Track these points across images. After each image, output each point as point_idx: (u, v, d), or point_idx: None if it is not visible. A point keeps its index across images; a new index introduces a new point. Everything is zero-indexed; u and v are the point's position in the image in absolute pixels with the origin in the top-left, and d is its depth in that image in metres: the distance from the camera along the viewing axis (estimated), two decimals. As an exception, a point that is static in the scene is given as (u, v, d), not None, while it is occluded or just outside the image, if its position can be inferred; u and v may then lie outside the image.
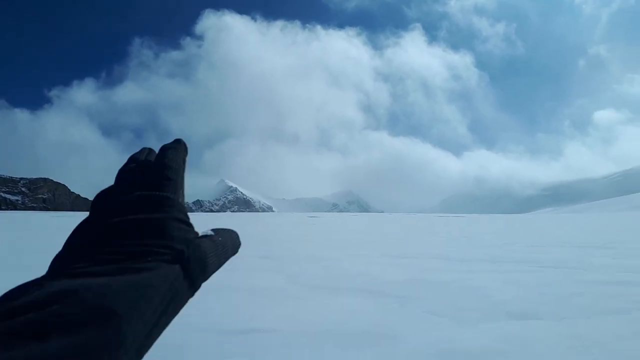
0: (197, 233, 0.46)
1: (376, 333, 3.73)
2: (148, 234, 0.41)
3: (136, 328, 0.38)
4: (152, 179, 0.47)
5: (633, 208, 63.41)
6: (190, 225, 0.46)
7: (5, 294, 0.37)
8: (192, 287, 0.44)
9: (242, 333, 3.77)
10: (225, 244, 0.50)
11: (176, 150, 0.52)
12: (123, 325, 0.37)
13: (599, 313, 4.20)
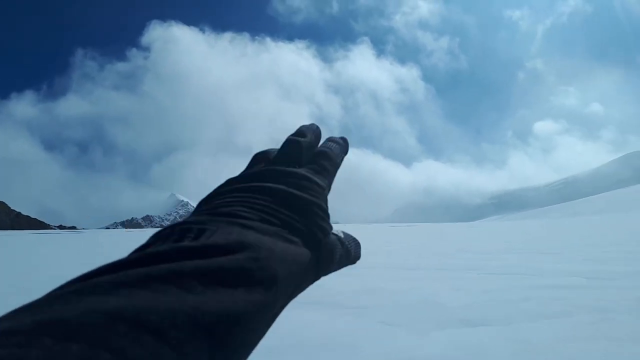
0: (332, 227, 0.46)
1: (331, 345, 3.72)
2: (298, 211, 0.41)
3: (283, 299, 0.38)
4: (315, 163, 0.48)
5: (573, 214, 66.98)
6: (329, 218, 0.46)
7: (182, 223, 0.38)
8: (315, 278, 0.43)
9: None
10: (349, 250, 0.49)
11: (341, 147, 0.53)
12: (279, 292, 0.36)
13: (545, 317, 4.37)
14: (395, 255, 11.84)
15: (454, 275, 7.51)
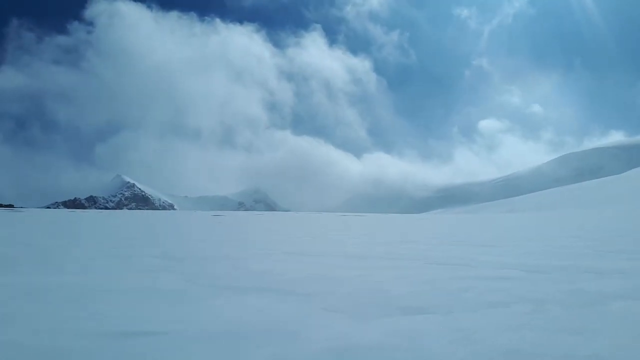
0: None
1: (274, 331, 3.67)
2: None
3: None
4: None
5: (512, 210, 70.13)
6: None
7: None
8: None
9: (129, 336, 3.51)
10: None
11: None
12: None
13: (483, 307, 4.50)
14: (343, 244, 11.93)
15: (399, 264, 7.64)
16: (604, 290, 5.28)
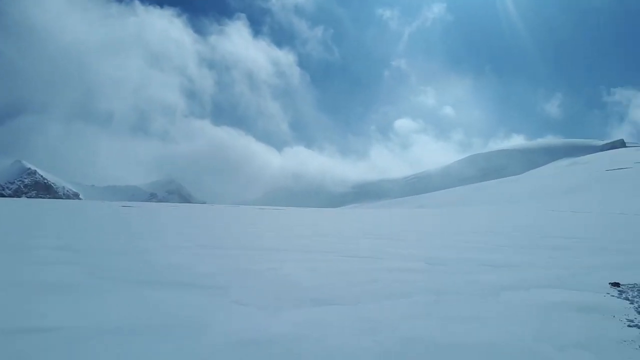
0: None
1: (179, 325, 3.60)
2: None
3: None
4: None
5: (421, 206, 73.96)
6: None
7: None
8: None
9: (21, 333, 3.31)
10: None
11: None
12: None
13: (388, 297, 4.73)
14: (258, 237, 11.88)
15: (311, 257, 7.77)
16: (497, 281, 5.75)
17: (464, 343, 3.34)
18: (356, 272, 6.26)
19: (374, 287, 5.26)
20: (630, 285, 5.50)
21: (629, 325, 3.82)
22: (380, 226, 18.64)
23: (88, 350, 3.04)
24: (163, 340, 3.25)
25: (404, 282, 5.58)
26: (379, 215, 32.66)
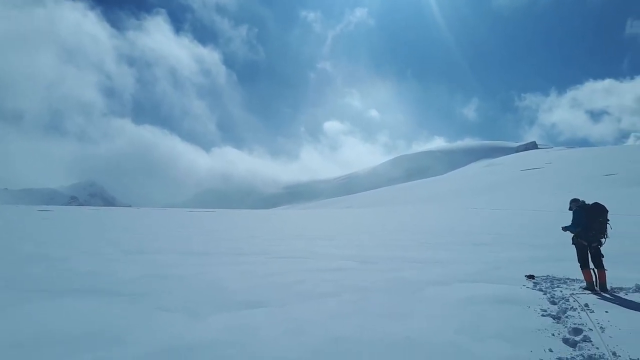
0: None
1: (100, 335, 3.42)
2: None
3: None
4: None
5: (351, 206, 75.58)
6: None
7: None
8: None
9: None
10: None
11: None
12: None
13: (316, 297, 4.74)
14: (187, 240, 11.50)
15: (241, 259, 7.63)
16: (422, 277, 5.95)
17: (389, 339, 3.43)
18: (286, 273, 6.22)
19: (302, 287, 5.25)
20: (543, 277, 5.90)
21: (543, 315, 4.08)
22: (311, 227, 18.74)
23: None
24: (82, 351, 3.10)
25: (333, 281, 5.62)
26: (310, 216, 32.87)
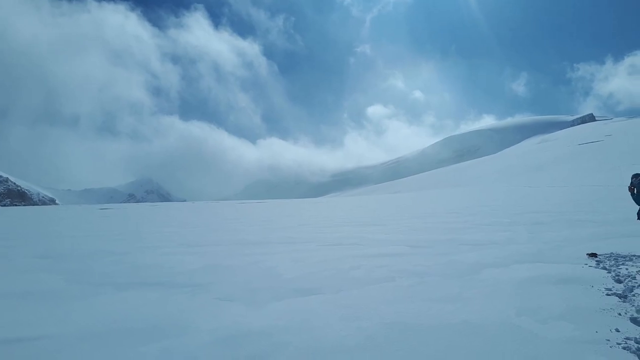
0: None
1: (165, 325, 3.57)
2: None
3: None
4: None
5: (400, 191, 74.74)
6: None
7: None
8: None
9: (7, 344, 3.25)
10: None
11: None
12: None
13: (370, 283, 4.75)
14: (240, 231, 11.79)
15: (295, 247, 7.75)
16: (477, 260, 5.83)
17: (448, 323, 3.37)
18: (339, 259, 6.26)
19: (357, 273, 5.27)
20: (607, 255, 5.64)
21: (607, 294, 3.92)
22: (360, 213, 18.72)
23: (75, 357, 2.99)
24: (149, 341, 3.23)
25: (386, 266, 5.61)
26: (359, 202, 32.82)
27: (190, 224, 16.21)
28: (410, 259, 6.09)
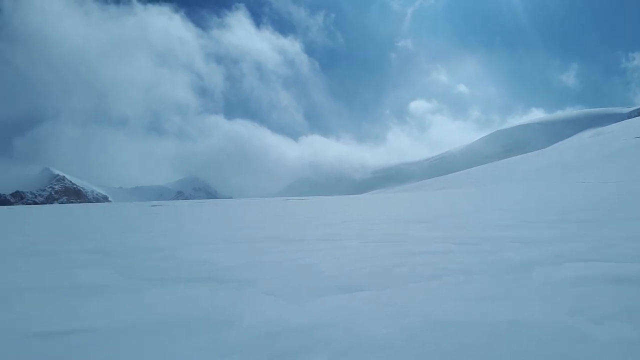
0: None
1: (210, 319, 3.63)
2: None
3: None
4: None
5: (445, 187, 73.21)
6: None
7: None
8: None
9: (57, 335, 3.35)
10: None
11: None
12: None
13: (415, 280, 4.67)
14: (282, 228, 11.91)
15: (337, 244, 7.74)
16: (526, 258, 5.63)
17: (496, 322, 3.26)
18: (382, 256, 6.21)
19: (402, 270, 5.21)
20: (666, 254, 5.32)
21: (667, 295, 3.69)
22: (404, 210, 18.50)
23: (128, 347, 3.09)
24: (198, 333, 3.30)
25: (432, 264, 5.51)
26: (402, 199, 32.44)
27: (235, 220, 16.53)
28: (457, 257, 5.96)
